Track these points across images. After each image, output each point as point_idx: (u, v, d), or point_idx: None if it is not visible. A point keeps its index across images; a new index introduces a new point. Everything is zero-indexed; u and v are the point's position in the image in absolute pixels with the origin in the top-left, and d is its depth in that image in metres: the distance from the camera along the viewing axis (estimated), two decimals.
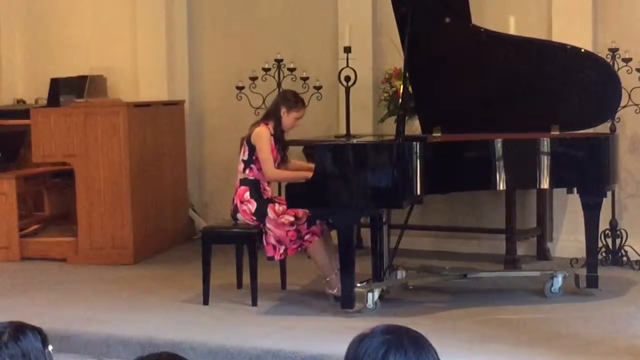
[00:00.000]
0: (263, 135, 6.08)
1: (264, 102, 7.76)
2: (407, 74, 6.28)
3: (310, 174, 5.82)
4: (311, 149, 6.17)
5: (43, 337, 2.26)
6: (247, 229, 6.09)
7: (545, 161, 5.92)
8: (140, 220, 7.69)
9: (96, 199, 7.59)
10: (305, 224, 5.96)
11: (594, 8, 7.32)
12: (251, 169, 6.12)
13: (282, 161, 6.23)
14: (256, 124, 6.21)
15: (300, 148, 7.42)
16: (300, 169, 6.27)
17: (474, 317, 5.66)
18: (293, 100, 6.22)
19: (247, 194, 6.08)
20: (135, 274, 7.23)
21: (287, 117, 6.17)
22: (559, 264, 6.97)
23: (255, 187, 6.10)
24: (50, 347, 2.28)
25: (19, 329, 2.24)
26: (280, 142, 6.21)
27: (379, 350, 2.00)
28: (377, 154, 5.93)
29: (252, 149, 6.10)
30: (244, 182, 6.13)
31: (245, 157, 6.14)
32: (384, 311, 5.75)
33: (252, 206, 6.05)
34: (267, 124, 6.16)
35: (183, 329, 5.56)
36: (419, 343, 2.03)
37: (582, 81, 6.29)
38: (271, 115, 6.21)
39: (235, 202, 6.14)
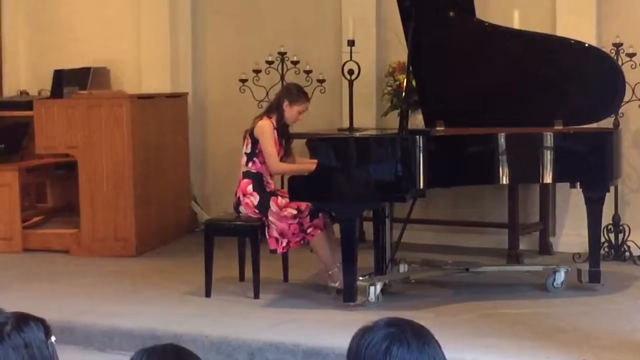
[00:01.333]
0: (266, 129, 6.07)
1: (267, 95, 7.75)
2: (410, 68, 6.28)
3: (313, 167, 5.82)
4: (314, 142, 6.16)
5: (46, 328, 2.26)
6: (249, 221, 6.09)
7: (548, 156, 5.92)
8: (143, 213, 7.69)
9: (99, 191, 7.59)
10: (308, 217, 5.97)
11: (598, 3, 7.31)
12: (254, 162, 6.12)
13: (285, 155, 6.22)
14: (259, 117, 6.21)
15: (304, 141, 7.40)
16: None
17: (475, 311, 5.66)
18: (296, 94, 6.21)
19: (250, 187, 6.08)
20: (138, 266, 7.23)
21: (290, 111, 6.17)
22: (562, 258, 6.96)
23: (258, 180, 6.10)
24: (53, 338, 2.27)
25: (22, 320, 2.24)
26: (284, 136, 6.21)
27: (382, 343, 2.00)
28: (380, 147, 5.93)
29: (255, 142, 6.10)
30: (246, 175, 6.13)
31: (248, 150, 6.14)
32: (386, 305, 5.75)
33: (255, 199, 6.05)
34: (270, 118, 6.15)
35: (185, 321, 5.56)
36: (422, 336, 2.03)
37: (586, 76, 6.28)
38: (274, 109, 6.21)
39: (237, 195, 6.14)
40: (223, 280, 6.39)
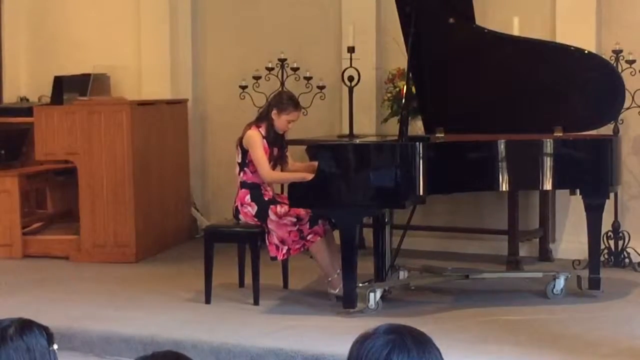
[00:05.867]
0: (253, 139, 6.04)
1: (267, 101, 7.75)
2: (410, 74, 6.28)
3: (308, 175, 5.81)
4: (314, 149, 6.16)
5: (49, 335, 2.28)
6: (249, 228, 6.09)
7: (548, 162, 5.92)
8: (143, 219, 7.69)
9: (99, 197, 7.59)
10: (308, 223, 5.96)
11: (598, 9, 7.32)
12: (245, 172, 6.10)
13: (279, 162, 6.20)
14: (248, 126, 6.18)
15: (303, 148, 7.41)
16: (299, 170, 6.21)
17: (475, 318, 5.66)
18: (285, 103, 6.15)
19: (248, 197, 6.07)
20: (138, 272, 7.23)
21: (279, 120, 6.12)
22: (561, 265, 6.97)
23: (255, 190, 6.08)
24: (55, 346, 2.29)
25: (25, 325, 2.26)
26: (276, 144, 6.16)
27: (382, 350, 2.00)
28: (380, 154, 5.93)
29: (245, 152, 6.08)
30: (243, 185, 6.12)
31: (239, 160, 6.13)
32: (385, 311, 5.75)
33: (253, 209, 6.04)
34: (258, 127, 6.12)
35: (185, 328, 5.56)
36: (422, 343, 2.03)
37: (586, 83, 6.29)
38: (263, 117, 6.18)
39: (236, 203, 6.14)
40: (223, 287, 6.39)
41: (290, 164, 6.32)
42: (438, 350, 2.04)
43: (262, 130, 6.11)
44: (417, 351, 2.00)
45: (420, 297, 6.24)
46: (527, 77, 6.36)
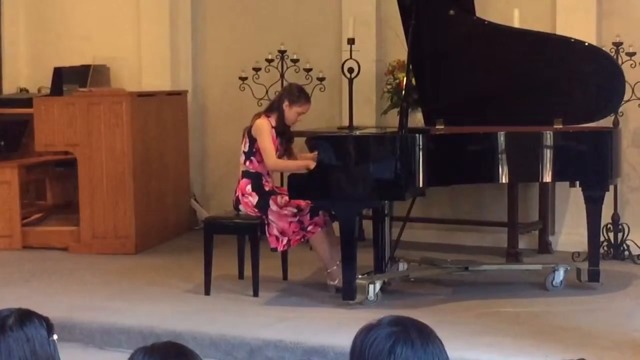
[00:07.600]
0: (263, 128, 6.05)
1: (267, 93, 7.77)
2: (410, 66, 6.28)
3: (311, 164, 5.82)
4: (314, 141, 6.16)
5: (49, 326, 2.29)
6: (249, 219, 6.09)
7: (548, 154, 5.92)
8: (142, 210, 7.69)
9: (98, 189, 7.59)
10: (308, 215, 5.97)
11: (599, 1, 7.31)
12: (251, 161, 6.10)
13: (286, 154, 6.21)
14: (258, 115, 6.20)
15: (303, 139, 7.41)
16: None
17: (475, 310, 5.66)
18: (297, 95, 6.18)
19: (249, 187, 6.07)
20: (137, 263, 7.24)
21: (290, 111, 6.14)
22: (561, 257, 6.98)
23: (256, 180, 6.09)
24: (55, 337, 2.29)
25: (25, 315, 2.28)
26: (284, 135, 6.18)
27: (386, 341, 2.00)
28: (379, 145, 5.93)
29: (253, 141, 6.09)
30: (245, 174, 6.12)
31: (246, 149, 6.13)
32: (385, 303, 5.75)
33: (254, 199, 6.05)
34: (268, 117, 6.14)
35: (184, 319, 5.57)
36: (426, 335, 2.04)
37: (586, 75, 6.29)
38: (274, 108, 6.19)
39: (237, 194, 6.14)
40: (222, 278, 6.39)
41: (296, 156, 6.31)
42: (441, 342, 2.05)
43: (272, 120, 6.12)
44: (421, 343, 2.01)
45: (419, 289, 6.25)
46: (527, 69, 6.36)
